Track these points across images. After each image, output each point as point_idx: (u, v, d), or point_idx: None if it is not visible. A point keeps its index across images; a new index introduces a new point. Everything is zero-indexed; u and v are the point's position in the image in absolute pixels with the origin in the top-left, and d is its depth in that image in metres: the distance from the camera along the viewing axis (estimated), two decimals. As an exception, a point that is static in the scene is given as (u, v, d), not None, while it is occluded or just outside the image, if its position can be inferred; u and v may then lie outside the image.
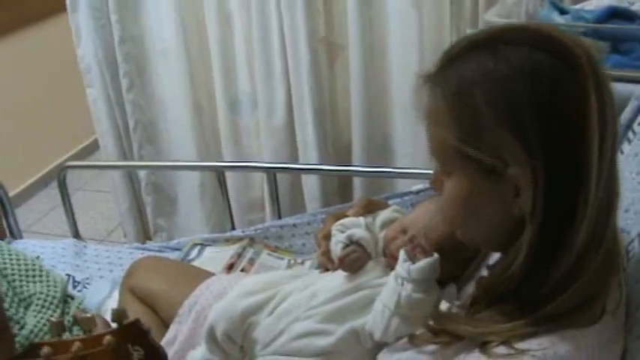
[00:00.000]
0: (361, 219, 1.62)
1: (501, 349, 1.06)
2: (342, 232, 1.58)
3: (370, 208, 1.69)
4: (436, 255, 1.32)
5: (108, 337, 1.12)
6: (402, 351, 1.32)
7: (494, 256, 1.35)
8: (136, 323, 1.15)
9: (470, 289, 1.37)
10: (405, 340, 1.33)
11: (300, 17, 2.66)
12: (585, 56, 1.05)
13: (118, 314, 1.16)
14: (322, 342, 1.47)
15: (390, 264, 1.49)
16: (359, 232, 1.55)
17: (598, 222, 1.06)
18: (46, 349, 1.15)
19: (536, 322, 1.06)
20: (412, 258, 1.33)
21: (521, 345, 1.05)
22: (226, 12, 2.86)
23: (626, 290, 1.20)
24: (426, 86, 1.15)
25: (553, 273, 1.07)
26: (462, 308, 1.28)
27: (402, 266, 1.34)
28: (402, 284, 1.33)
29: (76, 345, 1.14)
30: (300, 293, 1.57)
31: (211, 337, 1.61)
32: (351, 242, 1.54)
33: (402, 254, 1.36)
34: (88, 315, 1.20)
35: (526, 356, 1.03)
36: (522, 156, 1.04)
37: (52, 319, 1.20)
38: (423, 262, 1.31)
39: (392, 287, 1.36)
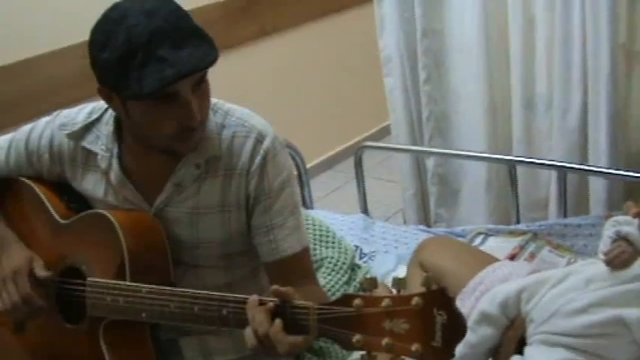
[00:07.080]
0: (636, 219, 1.63)
1: None
2: (615, 227, 1.61)
3: None
4: None
5: (416, 299, 1.24)
6: None
7: None
8: (443, 290, 1.25)
9: None
10: None
11: (604, 23, 2.65)
12: None
13: (427, 280, 1.26)
14: (585, 320, 1.54)
15: None
16: (627, 229, 1.58)
17: None
18: (358, 301, 1.30)
19: None
20: None
21: None
22: (530, 15, 2.90)
23: None
24: None
25: None
26: None
27: None
28: None
29: (386, 301, 1.26)
30: (575, 277, 1.63)
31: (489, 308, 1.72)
32: (619, 238, 1.57)
33: None
34: (401, 276, 1.34)
35: None
36: None
37: (367, 275, 1.33)
38: None
39: None
